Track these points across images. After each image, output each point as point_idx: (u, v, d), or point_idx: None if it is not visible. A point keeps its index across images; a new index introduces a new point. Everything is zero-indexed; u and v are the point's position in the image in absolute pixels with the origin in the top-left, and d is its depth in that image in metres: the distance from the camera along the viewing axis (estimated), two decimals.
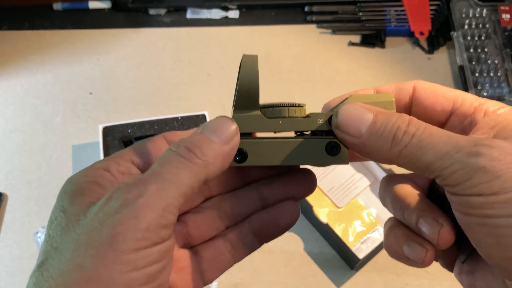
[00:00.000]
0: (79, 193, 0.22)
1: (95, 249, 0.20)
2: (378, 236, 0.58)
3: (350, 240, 0.58)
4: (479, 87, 0.75)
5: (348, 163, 0.27)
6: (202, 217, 0.28)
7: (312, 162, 0.27)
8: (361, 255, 0.57)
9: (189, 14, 0.84)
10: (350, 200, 0.60)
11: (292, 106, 0.27)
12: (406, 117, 0.24)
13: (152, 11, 0.84)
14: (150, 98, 0.75)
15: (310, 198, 0.60)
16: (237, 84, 0.26)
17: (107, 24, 0.83)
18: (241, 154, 0.26)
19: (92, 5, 0.84)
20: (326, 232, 0.61)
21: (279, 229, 0.29)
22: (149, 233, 0.20)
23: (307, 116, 0.27)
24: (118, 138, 0.65)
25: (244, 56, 0.26)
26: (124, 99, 0.75)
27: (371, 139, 0.24)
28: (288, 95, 0.75)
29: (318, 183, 0.61)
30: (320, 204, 0.60)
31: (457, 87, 0.77)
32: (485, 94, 0.74)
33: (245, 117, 0.26)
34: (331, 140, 0.26)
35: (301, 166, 0.29)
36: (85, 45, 0.81)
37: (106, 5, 0.84)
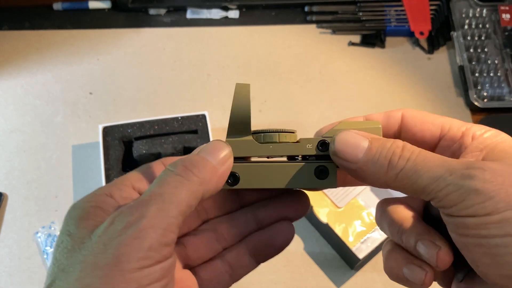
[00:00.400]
0: (84, 218, 0.24)
1: (101, 270, 0.21)
2: (378, 236, 0.58)
3: (350, 240, 0.58)
4: (479, 87, 0.75)
5: (336, 187, 0.28)
6: (200, 239, 0.29)
7: (301, 185, 0.28)
8: (361, 255, 0.57)
9: (189, 14, 0.84)
10: (350, 200, 0.61)
11: (282, 132, 0.28)
12: (400, 142, 0.25)
13: (152, 11, 0.84)
14: (150, 98, 0.75)
15: (310, 198, 0.60)
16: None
17: (107, 24, 0.83)
18: (233, 177, 0.27)
19: (92, 5, 0.84)
20: (326, 232, 0.61)
21: (274, 249, 0.30)
22: (151, 252, 0.21)
23: (297, 141, 0.28)
24: (118, 138, 0.65)
25: (237, 85, 0.28)
26: (124, 99, 0.75)
27: (367, 165, 0.25)
28: (288, 95, 0.75)
29: None
30: (320, 204, 0.60)
31: (457, 87, 0.77)
32: (485, 94, 0.74)
33: (238, 142, 0.28)
34: (320, 164, 0.28)
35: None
36: (85, 45, 0.81)
37: (106, 5, 0.84)
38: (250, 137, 0.28)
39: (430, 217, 0.28)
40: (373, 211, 0.60)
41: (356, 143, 0.26)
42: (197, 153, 0.26)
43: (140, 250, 0.21)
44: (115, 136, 0.66)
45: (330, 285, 0.60)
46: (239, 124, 0.28)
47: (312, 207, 0.60)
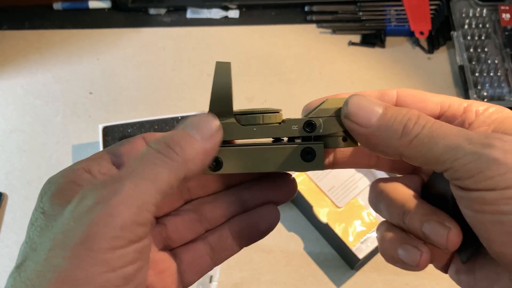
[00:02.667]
0: (59, 194, 0.22)
1: (70, 250, 0.19)
2: None
3: (350, 240, 0.58)
4: (479, 87, 0.75)
5: (323, 169, 0.27)
6: (182, 219, 0.28)
7: (288, 168, 0.27)
8: (361, 255, 0.57)
9: (189, 14, 0.84)
10: (350, 200, 0.60)
11: (266, 113, 0.27)
12: (415, 111, 0.24)
13: (152, 11, 0.84)
14: (150, 98, 0.75)
15: (310, 198, 0.60)
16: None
17: (107, 24, 0.83)
18: (216, 162, 0.26)
19: (92, 5, 0.84)
20: (326, 232, 0.61)
21: (258, 233, 0.29)
22: (124, 232, 0.20)
23: (282, 122, 0.27)
24: (118, 138, 0.65)
25: (217, 63, 0.26)
26: (124, 99, 0.75)
27: (380, 129, 0.24)
28: (288, 95, 0.75)
29: (318, 183, 0.61)
30: (320, 204, 0.60)
31: (457, 86, 0.77)
32: (485, 93, 0.74)
33: None
34: (307, 146, 0.26)
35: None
36: (85, 45, 0.81)
37: (106, 5, 0.84)
38: (232, 119, 0.26)
39: (432, 196, 0.27)
40: (373, 211, 0.60)
41: (370, 107, 0.24)
42: (182, 128, 0.24)
43: (112, 228, 0.20)
44: (115, 136, 0.66)
45: (330, 285, 0.60)
46: (220, 105, 0.26)
47: (312, 207, 0.60)
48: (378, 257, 0.61)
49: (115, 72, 0.78)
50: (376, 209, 0.29)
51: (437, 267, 0.28)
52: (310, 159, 0.26)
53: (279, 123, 0.27)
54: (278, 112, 0.27)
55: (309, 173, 0.62)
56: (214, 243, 0.28)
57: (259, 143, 0.27)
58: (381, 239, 0.27)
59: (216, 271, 0.58)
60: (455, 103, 0.26)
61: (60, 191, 0.22)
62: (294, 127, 0.26)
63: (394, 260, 0.26)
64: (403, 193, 0.27)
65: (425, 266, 0.25)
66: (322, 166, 0.26)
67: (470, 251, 0.25)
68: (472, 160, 0.21)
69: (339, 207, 0.60)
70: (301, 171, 0.27)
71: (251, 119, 0.26)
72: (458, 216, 0.24)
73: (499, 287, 0.24)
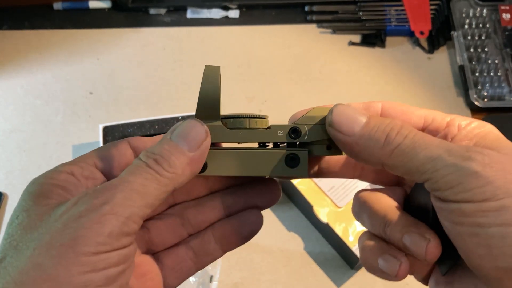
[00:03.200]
0: (43, 195, 0.23)
1: (56, 250, 0.20)
2: None
3: (350, 240, 0.58)
4: (479, 87, 0.75)
5: (307, 176, 0.27)
6: (165, 224, 0.28)
7: (271, 174, 0.27)
8: None
9: (189, 14, 0.84)
10: (350, 200, 0.60)
11: (253, 118, 0.27)
12: (398, 121, 0.24)
13: (152, 11, 0.84)
14: (150, 98, 0.75)
15: (310, 198, 0.60)
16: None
17: (107, 24, 0.83)
18: None
19: (92, 4, 0.84)
20: (326, 232, 0.61)
21: (241, 237, 0.29)
22: (110, 239, 0.21)
23: (268, 127, 0.27)
24: (118, 138, 0.65)
25: (206, 67, 0.27)
26: (124, 99, 0.75)
27: (363, 138, 0.24)
28: (288, 95, 0.75)
29: (318, 183, 0.61)
30: (320, 204, 0.60)
31: (457, 86, 0.77)
32: (485, 93, 0.74)
33: None
34: (291, 152, 0.27)
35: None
36: (85, 45, 0.81)
37: (106, 4, 0.84)
38: (219, 122, 0.27)
39: (413, 208, 0.27)
40: None
41: (354, 116, 0.25)
42: (169, 137, 0.24)
43: (99, 235, 0.20)
44: (115, 136, 0.66)
45: (330, 285, 0.59)
46: (207, 108, 0.27)
47: (312, 206, 0.60)
48: None
49: (115, 72, 0.78)
50: (359, 219, 0.29)
51: (417, 278, 0.29)
52: (294, 165, 0.27)
53: (265, 128, 0.27)
54: (264, 118, 0.27)
55: None
56: (196, 247, 0.29)
57: (245, 148, 0.27)
58: (362, 248, 0.28)
59: (216, 271, 0.58)
60: (438, 117, 0.27)
61: (44, 192, 0.23)
62: (279, 133, 0.27)
63: (374, 269, 0.27)
64: (385, 204, 0.27)
65: (404, 276, 0.26)
66: (305, 173, 0.27)
67: (449, 263, 0.26)
68: (451, 171, 0.22)
69: (339, 207, 0.60)
70: (285, 177, 0.28)
71: (237, 123, 0.27)
72: (438, 228, 0.24)
73: None
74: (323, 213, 0.60)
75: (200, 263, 0.29)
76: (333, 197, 0.61)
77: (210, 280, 0.57)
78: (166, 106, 0.74)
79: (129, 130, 0.66)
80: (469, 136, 0.25)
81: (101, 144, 0.64)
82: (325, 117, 0.26)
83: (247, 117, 0.27)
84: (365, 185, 0.61)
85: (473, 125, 0.25)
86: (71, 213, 0.21)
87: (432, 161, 0.22)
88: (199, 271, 0.56)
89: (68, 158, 0.69)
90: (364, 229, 0.30)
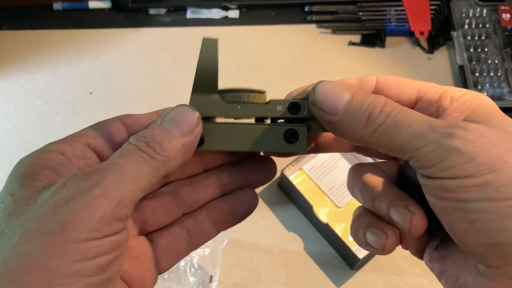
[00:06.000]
0: (30, 177, 0.22)
1: (44, 237, 0.19)
2: None
3: (350, 240, 0.58)
4: (479, 87, 0.75)
5: (306, 152, 0.27)
6: (159, 203, 0.28)
7: (270, 149, 0.26)
8: (361, 255, 0.57)
9: (189, 14, 0.84)
10: (350, 200, 0.61)
11: (251, 92, 0.26)
12: (382, 98, 0.24)
13: (152, 11, 0.84)
14: (150, 98, 0.75)
15: (310, 198, 0.60)
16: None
17: (107, 24, 0.83)
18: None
19: (92, 5, 0.84)
20: (326, 232, 0.61)
21: (236, 217, 0.28)
22: (101, 225, 0.20)
23: (267, 102, 0.26)
24: None
25: (204, 39, 0.26)
26: (124, 99, 0.75)
27: (346, 117, 0.24)
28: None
29: (318, 183, 0.61)
30: (320, 204, 0.60)
31: (457, 86, 0.77)
32: (485, 93, 0.74)
33: (203, 101, 0.26)
34: (290, 128, 0.26)
35: (261, 153, 0.29)
36: (85, 45, 0.81)
37: (106, 5, 0.84)
38: (216, 96, 0.26)
39: (404, 182, 0.27)
40: None
41: (337, 94, 0.24)
42: (160, 122, 0.24)
43: (90, 220, 0.19)
44: None
45: (330, 285, 0.60)
46: (205, 81, 0.26)
47: (312, 207, 0.60)
48: (378, 257, 0.61)
49: (115, 72, 0.78)
50: (352, 193, 0.29)
51: (412, 253, 0.28)
52: (293, 141, 0.26)
53: (264, 103, 0.26)
54: (263, 93, 0.27)
55: (309, 173, 0.62)
56: (190, 227, 0.28)
57: (243, 122, 0.26)
58: (353, 222, 0.28)
59: (216, 271, 0.58)
60: (432, 89, 0.26)
61: (31, 173, 0.22)
62: (278, 108, 0.26)
63: (362, 243, 0.26)
64: (375, 178, 0.27)
65: (391, 249, 0.25)
66: (304, 149, 0.26)
67: (439, 239, 0.26)
68: (433, 149, 0.21)
69: (339, 207, 0.60)
70: (283, 153, 0.27)
71: (235, 97, 0.26)
72: (426, 204, 0.24)
73: (466, 273, 0.24)
74: (323, 213, 0.60)
75: (194, 243, 0.28)
76: (333, 197, 0.61)
77: (210, 280, 0.57)
78: (166, 106, 0.74)
79: None
80: (461, 108, 0.24)
81: None
82: None
83: (245, 91, 0.26)
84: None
85: (466, 96, 0.25)
86: (59, 196, 0.20)
87: (414, 139, 0.22)
88: (199, 271, 0.56)
89: None
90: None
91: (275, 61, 0.79)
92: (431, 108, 0.26)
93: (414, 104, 0.26)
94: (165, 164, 0.22)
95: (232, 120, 0.27)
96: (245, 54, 0.80)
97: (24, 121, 0.72)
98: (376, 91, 0.27)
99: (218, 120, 0.27)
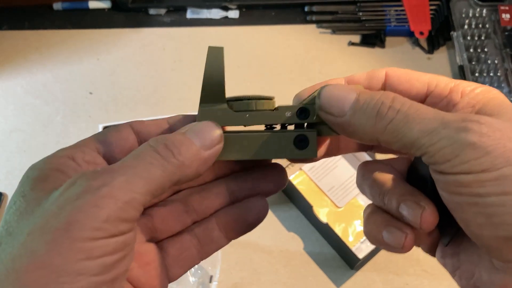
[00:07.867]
0: (41, 179, 0.22)
1: (50, 235, 0.19)
2: None
3: (350, 240, 0.58)
4: None
5: (316, 156, 0.27)
6: (169, 210, 0.27)
7: (281, 156, 0.26)
8: (361, 255, 0.57)
9: (189, 14, 0.84)
10: (350, 200, 0.61)
11: (259, 99, 0.26)
12: (390, 93, 0.23)
13: (152, 11, 0.84)
14: (150, 98, 0.75)
15: (310, 198, 0.60)
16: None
17: (107, 24, 0.83)
18: None
19: (92, 5, 0.84)
20: (326, 232, 0.61)
21: (247, 225, 0.28)
22: (107, 225, 0.20)
23: (276, 109, 0.26)
24: None
25: (210, 48, 0.25)
26: (124, 99, 0.75)
27: (355, 117, 0.23)
28: (289, 95, 0.75)
29: (318, 183, 0.61)
30: (320, 204, 0.60)
31: None
32: None
33: (211, 111, 0.26)
34: (300, 134, 0.26)
35: (272, 161, 0.29)
36: (85, 45, 0.81)
37: (106, 5, 0.84)
38: (224, 105, 0.26)
39: (415, 178, 0.27)
40: None
41: (342, 96, 0.24)
42: (183, 131, 0.24)
43: (95, 219, 0.19)
44: None
45: (330, 285, 0.60)
46: (212, 90, 0.26)
47: (312, 207, 0.60)
48: (378, 257, 0.61)
49: (115, 72, 0.78)
50: (362, 190, 0.29)
51: (424, 249, 0.28)
52: (304, 146, 0.26)
53: (272, 110, 0.26)
54: (271, 99, 0.27)
55: (309, 173, 0.62)
56: (201, 235, 0.28)
57: (253, 131, 0.26)
58: (365, 221, 0.27)
59: (216, 271, 0.58)
60: (442, 83, 0.26)
61: (43, 177, 0.22)
62: (287, 114, 0.26)
63: (378, 242, 0.26)
64: (385, 174, 0.27)
65: (410, 248, 0.25)
66: (315, 154, 0.26)
67: (451, 235, 0.25)
68: (447, 144, 0.21)
69: (339, 207, 0.60)
70: (294, 159, 0.27)
71: (243, 105, 0.26)
72: (437, 199, 0.23)
73: (480, 269, 0.24)
74: (323, 213, 0.60)
75: (204, 251, 0.28)
76: (333, 197, 0.61)
77: (210, 280, 0.57)
78: (166, 106, 0.74)
79: None
80: (472, 102, 0.24)
81: None
82: None
83: (253, 99, 0.26)
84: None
85: (477, 91, 0.24)
86: (67, 195, 0.20)
87: (427, 135, 0.21)
88: (199, 271, 0.56)
89: None
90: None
91: (275, 61, 0.79)
92: (442, 103, 0.25)
93: (424, 99, 0.26)
94: (179, 170, 0.22)
95: (241, 128, 0.27)
96: (245, 54, 0.80)
97: (24, 121, 0.72)
98: (386, 85, 0.27)
99: (227, 129, 0.27)
